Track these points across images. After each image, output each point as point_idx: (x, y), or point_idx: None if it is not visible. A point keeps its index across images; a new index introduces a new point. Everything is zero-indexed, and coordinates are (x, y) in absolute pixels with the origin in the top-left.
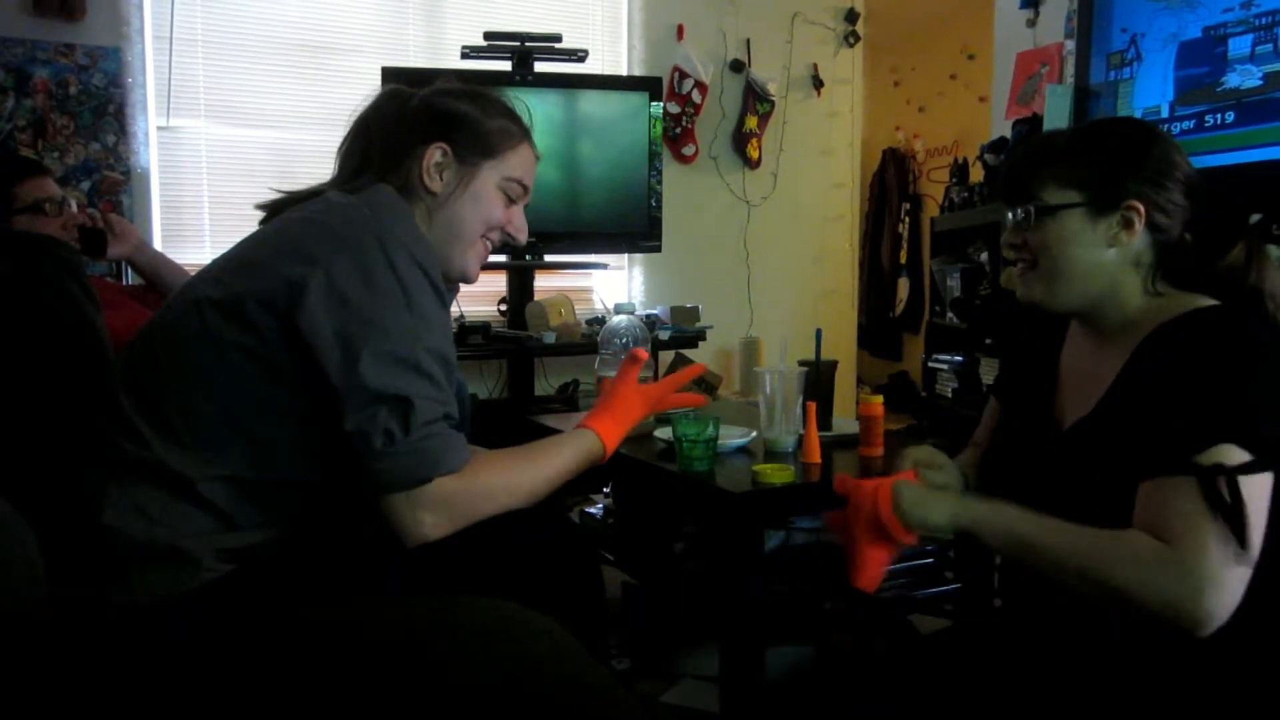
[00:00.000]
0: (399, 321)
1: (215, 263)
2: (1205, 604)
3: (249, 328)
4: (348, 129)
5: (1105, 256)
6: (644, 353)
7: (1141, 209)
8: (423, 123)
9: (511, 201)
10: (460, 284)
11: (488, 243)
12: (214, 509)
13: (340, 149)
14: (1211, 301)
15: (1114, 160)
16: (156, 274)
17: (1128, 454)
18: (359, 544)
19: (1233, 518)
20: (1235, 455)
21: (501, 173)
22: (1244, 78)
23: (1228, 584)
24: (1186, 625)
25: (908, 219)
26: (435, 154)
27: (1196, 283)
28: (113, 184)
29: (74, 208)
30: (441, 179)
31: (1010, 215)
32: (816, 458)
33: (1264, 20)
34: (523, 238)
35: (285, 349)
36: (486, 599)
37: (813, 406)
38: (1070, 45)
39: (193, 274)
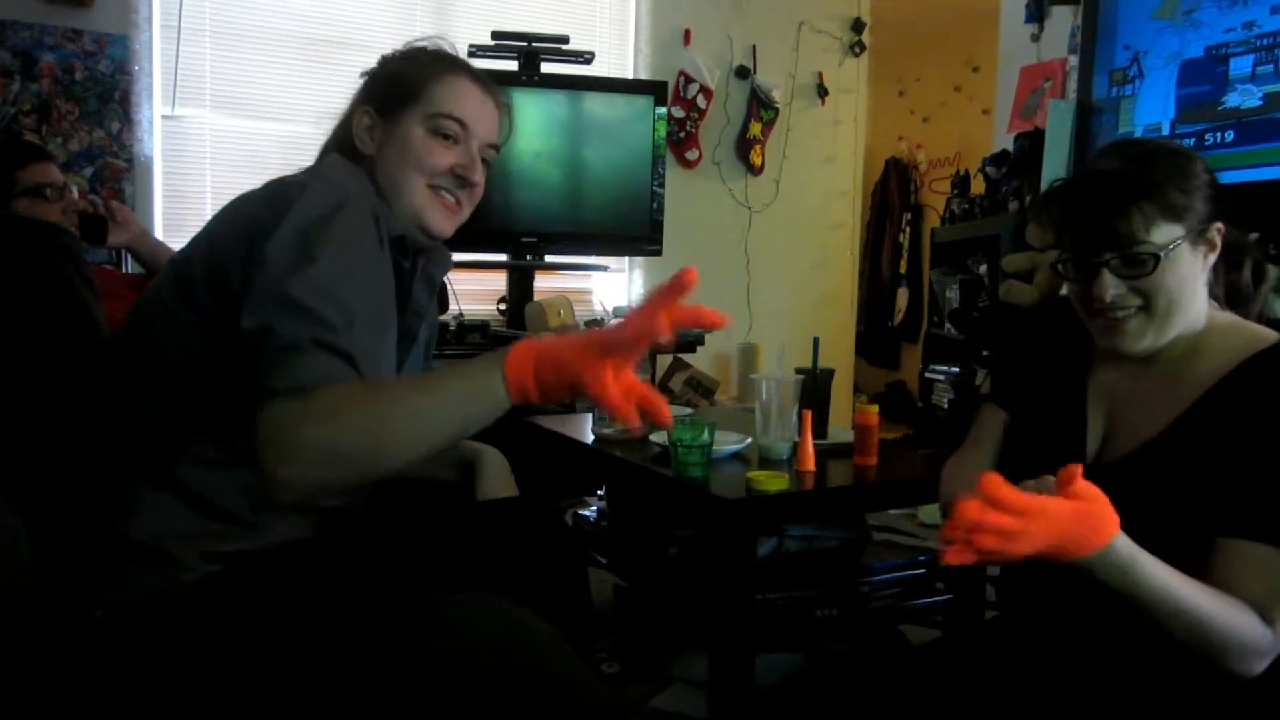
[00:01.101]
0: (282, 270)
1: None
2: (1254, 670)
3: (195, 303)
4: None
5: (1201, 285)
6: (691, 274)
7: (1222, 228)
8: (359, 93)
9: (452, 140)
10: (442, 244)
11: (442, 191)
12: (197, 501)
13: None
14: (1271, 332)
15: (1192, 184)
16: (157, 263)
17: (1209, 501)
18: (348, 544)
19: None
20: None
21: (425, 112)
22: (1245, 97)
23: None
24: (1238, 673)
25: (908, 229)
26: (364, 119)
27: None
28: (116, 171)
29: (75, 194)
30: (372, 139)
31: (1109, 264)
32: (811, 465)
33: (1265, 41)
34: (475, 175)
35: (227, 320)
36: (476, 597)
37: (809, 414)
38: (1074, 61)
39: None
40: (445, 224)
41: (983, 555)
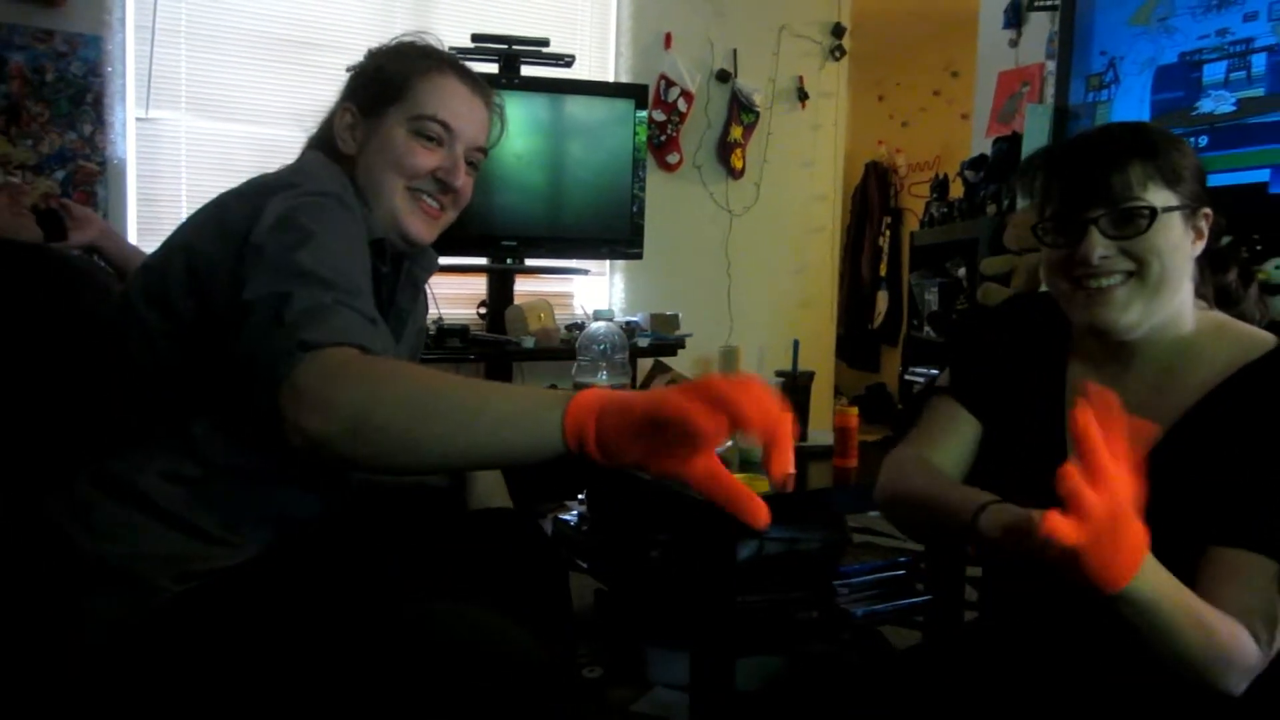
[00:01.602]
0: (279, 247)
1: None
2: (1234, 689)
3: (168, 309)
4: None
5: (1188, 273)
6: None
7: (1210, 214)
8: (342, 91)
9: (435, 142)
10: (426, 246)
11: (422, 196)
12: (163, 516)
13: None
14: (1266, 335)
15: (1187, 160)
16: (126, 263)
17: (1204, 510)
18: (324, 555)
19: None
20: None
21: (408, 113)
22: (1218, 103)
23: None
24: (1231, 687)
25: (888, 232)
26: (345, 117)
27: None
28: (88, 175)
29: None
30: (354, 139)
31: (1099, 222)
32: (790, 469)
33: (1238, 48)
34: (455, 180)
35: (204, 324)
36: (456, 608)
37: (790, 418)
38: (1051, 66)
39: None
40: (425, 230)
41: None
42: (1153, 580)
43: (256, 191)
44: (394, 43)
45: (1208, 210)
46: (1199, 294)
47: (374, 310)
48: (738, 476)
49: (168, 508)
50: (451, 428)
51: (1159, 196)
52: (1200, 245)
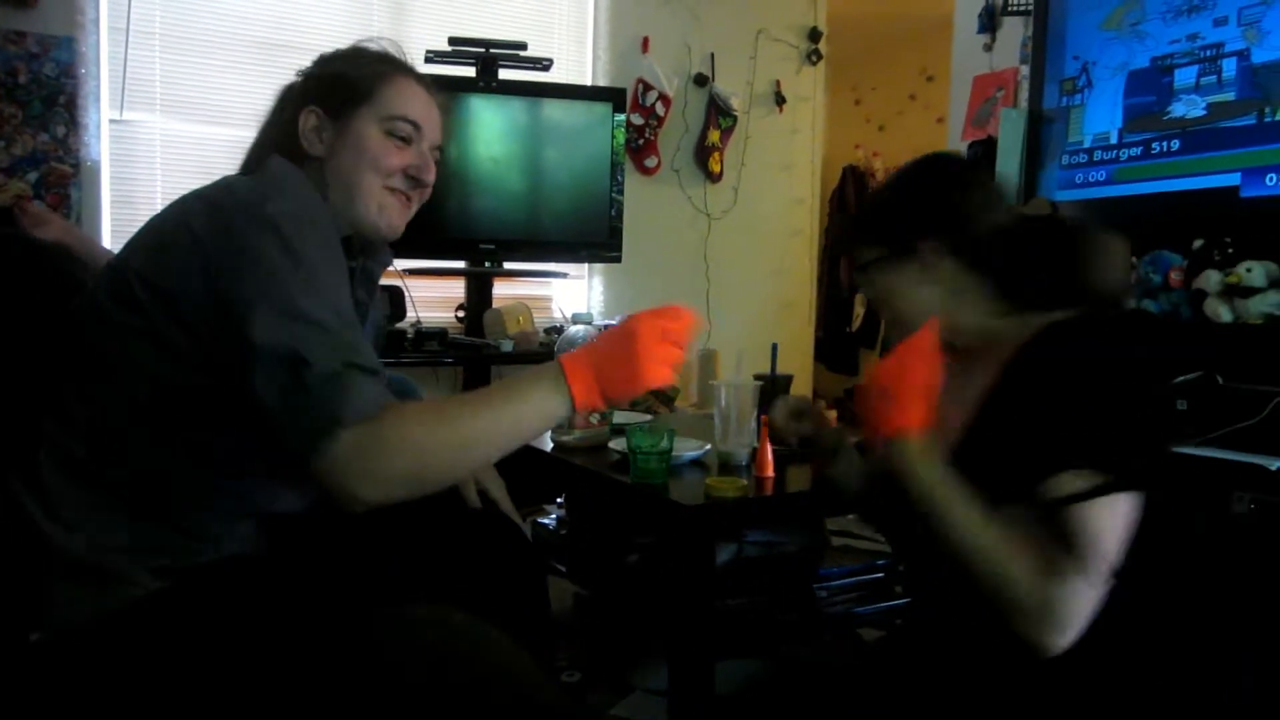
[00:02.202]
0: (278, 278)
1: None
2: (1047, 640)
3: (136, 307)
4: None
5: (924, 294)
6: (688, 315)
7: (939, 245)
8: (298, 92)
9: (405, 142)
10: (385, 242)
11: (396, 191)
12: (133, 510)
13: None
14: (1061, 316)
15: (903, 210)
16: (94, 260)
17: (989, 478)
18: (303, 555)
19: (1077, 548)
20: (1079, 483)
21: (379, 114)
22: (1189, 107)
23: (1071, 618)
24: (1042, 650)
25: None
26: (310, 119)
27: (1063, 297)
28: (61, 177)
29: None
30: (321, 140)
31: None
32: (770, 471)
33: (1208, 53)
34: (428, 176)
35: (175, 326)
36: (433, 609)
37: (766, 420)
38: (1025, 70)
39: None
40: (400, 223)
41: None
42: (930, 462)
43: (227, 207)
44: (348, 48)
45: (932, 243)
46: (1012, 295)
47: (374, 358)
48: (714, 480)
49: (137, 499)
50: (487, 447)
51: (866, 254)
52: (942, 272)
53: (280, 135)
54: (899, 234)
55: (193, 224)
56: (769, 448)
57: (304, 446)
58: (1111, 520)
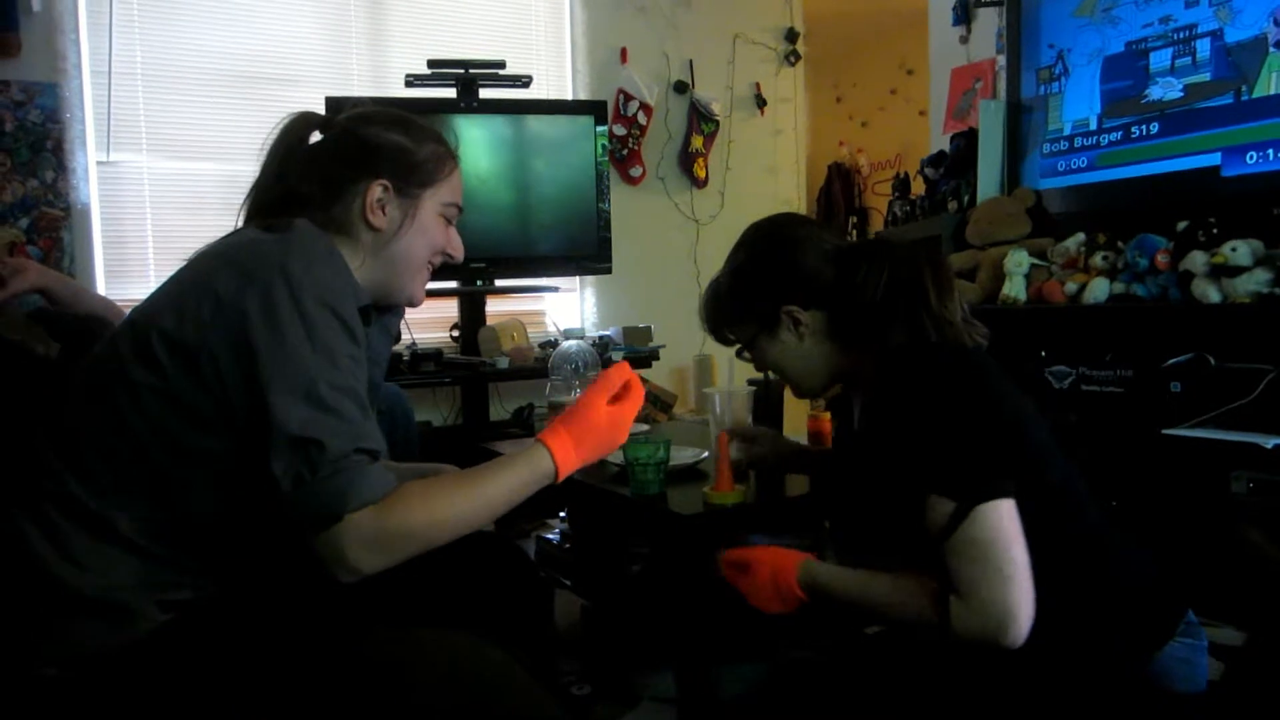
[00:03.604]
0: (302, 359)
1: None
2: (1012, 632)
3: (156, 367)
4: (262, 159)
5: (805, 349)
6: (626, 370)
7: (793, 308)
8: (355, 157)
9: (448, 223)
10: (406, 308)
11: (431, 266)
12: (142, 553)
13: (256, 183)
14: (900, 340)
15: (755, 286)
16: (76, 301)
17: (870, 508)
18: (304, 580)
19: (969, 562)
20: (945, 506)
21: (441, 199)
22: (1166, 90)
23: (1021, 603)
24: (1008, 645)
25: (855, 232)
26: (376, 190)
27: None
28: (52, 221)
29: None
30: (385, 214)
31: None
32: (728, 487)
33: (1182, 34)
34: (461, 256)
35: (194, 387)
36: (438, 631)
37: (724, 437)
38: (1002, 61)
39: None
40: (424, 295)
41: None
42: (815, 576)
43: (255, 274)
44: (403, 118)
45: (787, 308)
46: (894, 329)
47: (381, 439)
48: (711, 488)
49: (146, 542)
50: (479, 519)
51: (739, 333)
52: (805, 327)
53: (320, 195)
54: (760, 309)
55: (218, 288)
56: (728, 464)
57: (307, 526)
58: (986, 529)
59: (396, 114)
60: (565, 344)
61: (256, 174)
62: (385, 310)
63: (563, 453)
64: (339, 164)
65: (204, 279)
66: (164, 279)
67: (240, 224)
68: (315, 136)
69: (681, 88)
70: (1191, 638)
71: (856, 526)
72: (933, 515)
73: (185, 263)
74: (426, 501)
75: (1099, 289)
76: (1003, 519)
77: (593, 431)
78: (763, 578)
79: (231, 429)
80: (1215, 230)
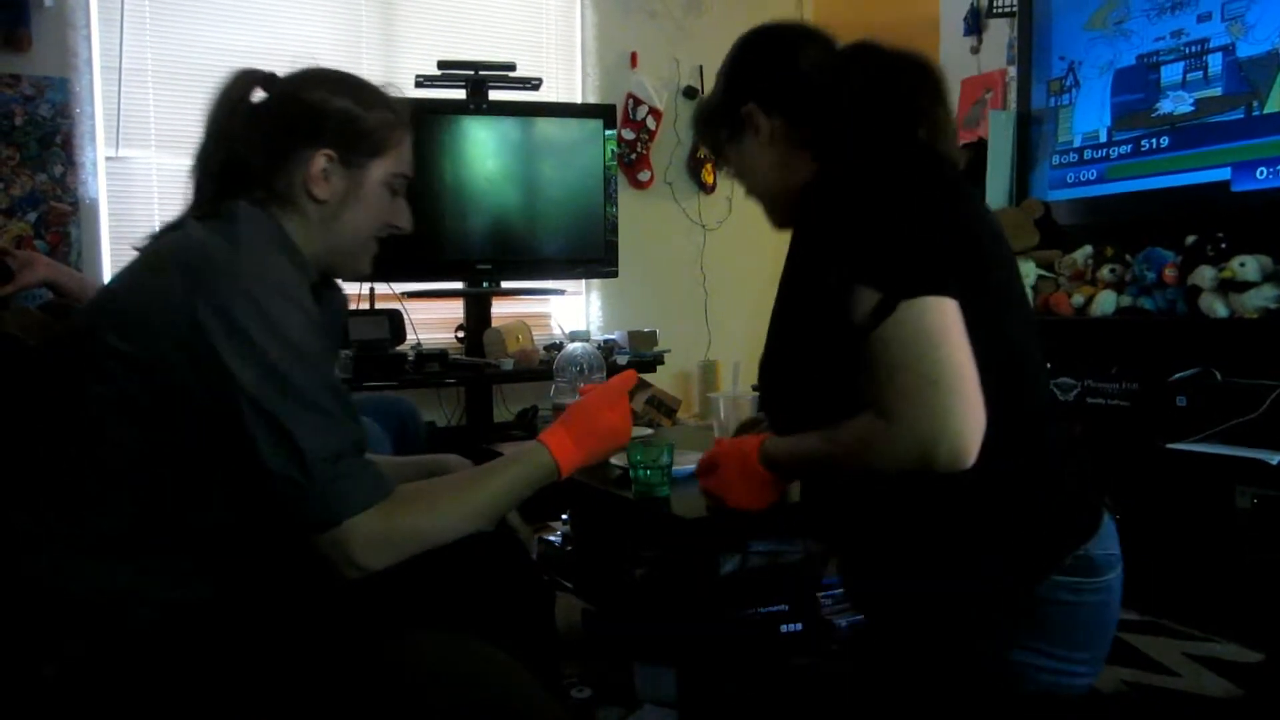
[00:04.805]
0: (269, 359)
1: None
2: (944, 447)
3: (109, 380)
4: (204, 129)
5: (768, 158)
6: (633, 379)
7: (751, 107)
8: (298, 123)
9: (395, 194)
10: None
11: (376, 239)
12: (136, 553)
13: (198, 156)
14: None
15: (726, 85)
16: (85, 293)
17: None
18: (306, 581)
19: (904, 364)
20: (871, 298)
21: (388, 170)
22: (1177, 104)
23: (955, 411)
24: (948, 467)
25: None
26: (320, 161)
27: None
28: (60, 215)
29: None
30: (329, 184)
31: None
32: None
33: (1194, 49)
34: (409, 227)
35: (150, 397)
36: (440, 633)
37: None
38: (1013, 72)
39: None
40: (370, 267)
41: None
42: (770, 450)
43: (205, 279)
44: (347, 79)
45: (747, 106)
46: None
47: (363, 432)
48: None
49: (135, 546)
50: (488, 514)
51: (713, 141)
52: (764, 133)
53: (261, 167)
54: (728, 109)
55: (171, 298)
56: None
57: (308, 529)
58: (911, 327)
59: (345, 76)
60: (570, 347)
61: (200, 147)
62: (331, 286)
63: (563, 452)
64: (281, 130)
65: (153, 287)
66: None
67: (190, 193)
68: (260, 95)
69: (691, 93)
70: (1083, 575)
71: (785, 388)
72: (858, 312)
73: (132, 261)
74: (432, 501)
75: (1106, 302)
76: (935, 316)
77: (593, 432)
78: (730, 472)
79: (205, 436)
80: (1224, 245)
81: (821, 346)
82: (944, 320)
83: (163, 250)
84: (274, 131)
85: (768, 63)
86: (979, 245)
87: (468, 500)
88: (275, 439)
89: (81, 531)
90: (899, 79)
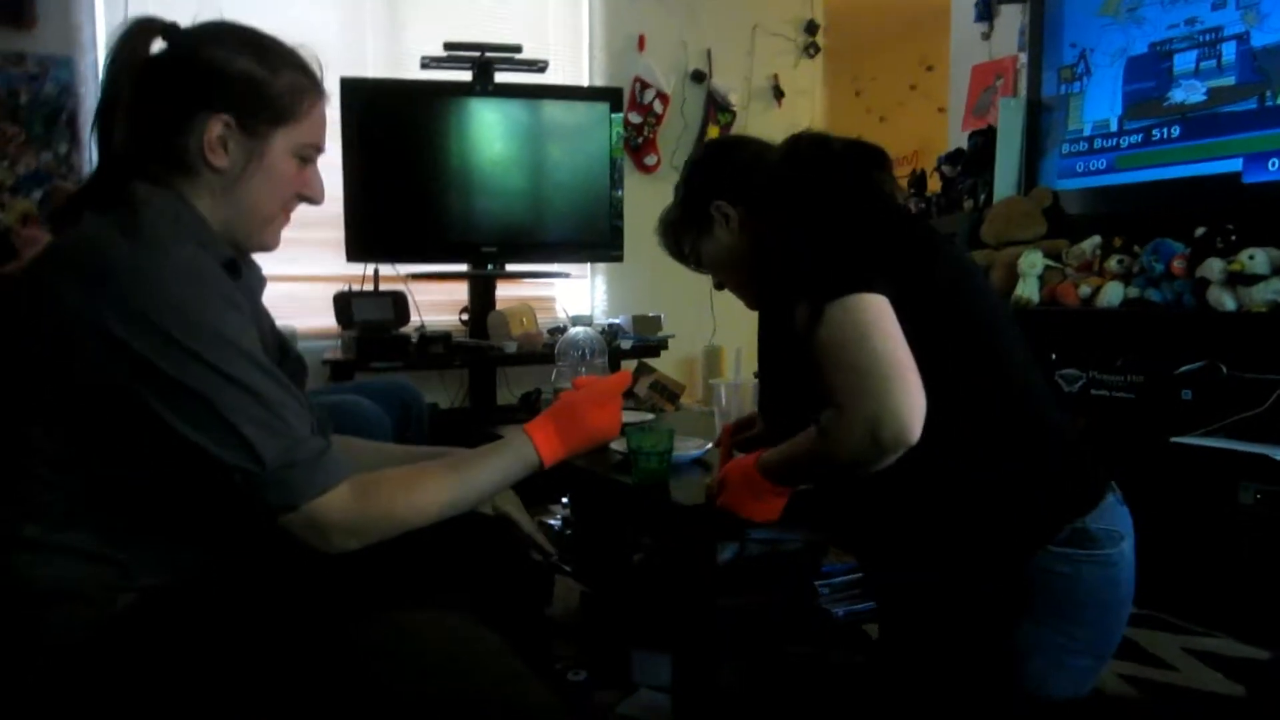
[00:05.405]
0: (205, 359)
1: None
2: (886, 428)
3: (26, 397)
4: (101, 83)
5: (737, 245)
6: (626, 380)
7: (721, 203)
8: (194, 84)
9: (305, 163)
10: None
11: (285, 211)
12: (99, 536)
13: (96, 115)
14: None
15: (691, 192)
16: None
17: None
18: (292, 561)
19: (844, 363)
20: (804, 311)
21: (296, 139)
22: (1189, 93)
23: (892, 393)
24: (894, 445)
25: None
26: (216, 127)
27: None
28: (65, 194)
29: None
30: (227, 152)
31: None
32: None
33: (1207, 37)
34: (321, 199)
35: (73, 408)
36: (430, 614)
37: (728, 428)
38: (1024, 59)
39: None
40: (279, 240)
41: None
42: (766, 460)
43: (98, 273)
44: (258, 42)
45: (717, 202)
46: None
47: (305, 404)
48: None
49: (107, 536)
50: (465, 501)
51: (685, 241)
52: (733, 222)
53: (156, 135)
54: (696, 210)
55: (85, 313)
56: (725, 456)
57: (271, 515)
58: (835, 326)
59: (253, 34)
60: (572, 330)
61: (97, 111)
62: (248, 260)
63: (547, 445)
64: (176, 90)
65: (54, 300)
66: None
67: (93, 154)
68: (160, 46)
69: (699, 77)
70: (1078, 547)
71: (781, 405)
72: (800, 326)
73: (33, 264)
74: (410, 486)
75: (1113, 293)
76: (858, 312)
77: (579, 430)
78: (736, 486)
79: (146, 437)
80: (1234, 237)
81: (797, 364)
82: (868, 315)
83: (61, 256)
84: (169, 92)
85: (727, 162)
86: (926, 247)
87: (445, 486)
88: (222, 434)
89: (49, 515)
90: (846, 153)
